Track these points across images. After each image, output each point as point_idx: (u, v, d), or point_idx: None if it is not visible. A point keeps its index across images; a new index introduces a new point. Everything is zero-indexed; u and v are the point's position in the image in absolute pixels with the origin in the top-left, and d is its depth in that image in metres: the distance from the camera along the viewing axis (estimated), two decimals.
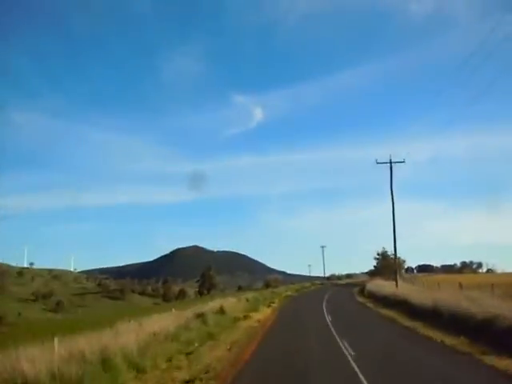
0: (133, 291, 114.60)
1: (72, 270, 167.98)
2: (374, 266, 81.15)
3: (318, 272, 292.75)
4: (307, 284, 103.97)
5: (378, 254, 76.61)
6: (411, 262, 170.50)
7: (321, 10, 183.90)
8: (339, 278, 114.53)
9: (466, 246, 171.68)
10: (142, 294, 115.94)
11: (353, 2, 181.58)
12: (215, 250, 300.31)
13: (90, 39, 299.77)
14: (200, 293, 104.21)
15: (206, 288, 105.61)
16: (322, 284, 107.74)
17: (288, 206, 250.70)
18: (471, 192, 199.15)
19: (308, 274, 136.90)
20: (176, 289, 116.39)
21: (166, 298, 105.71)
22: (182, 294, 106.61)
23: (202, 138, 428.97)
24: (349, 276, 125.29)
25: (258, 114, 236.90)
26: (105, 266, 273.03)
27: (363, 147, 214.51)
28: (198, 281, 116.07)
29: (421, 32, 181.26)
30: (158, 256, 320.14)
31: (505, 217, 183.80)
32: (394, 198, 38.27)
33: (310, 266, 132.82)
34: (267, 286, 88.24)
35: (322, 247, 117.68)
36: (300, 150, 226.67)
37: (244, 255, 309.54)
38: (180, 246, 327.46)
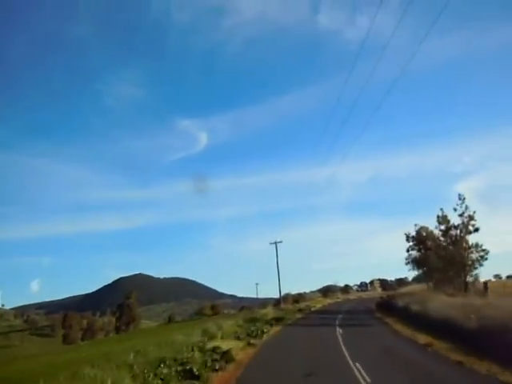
0: (63, 327, 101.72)
1: None
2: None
3: (269, 293, 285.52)
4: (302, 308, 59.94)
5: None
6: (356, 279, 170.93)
7: (262, 35, 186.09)
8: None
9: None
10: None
11: (294, 27, 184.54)
12: (161, 277, 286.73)
13: (28, 65, 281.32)
14: (117, 329, 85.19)
15: (125, 322, 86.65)
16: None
17: (236, 229, 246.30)
18: (411, 208, 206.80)
19: (259, 296, 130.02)
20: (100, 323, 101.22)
21: (66, 339, 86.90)
22: (90, 332, 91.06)
23: (147, 164, 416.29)
24: (300, 295, 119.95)
25: (204, 138, 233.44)
26: (43, 300, 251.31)
27: (307, 169, 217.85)
28: (114, 313, 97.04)
29: (358, 58, 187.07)
30: (101, 286, 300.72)
31: None
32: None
33: (257, 284, 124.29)
34: (203, 313, 77.22)
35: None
36: (247, 173, 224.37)
37: (193, 281, 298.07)
38: (123, 275, 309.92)
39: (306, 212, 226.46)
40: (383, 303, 42.56)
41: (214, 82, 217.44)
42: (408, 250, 43.00)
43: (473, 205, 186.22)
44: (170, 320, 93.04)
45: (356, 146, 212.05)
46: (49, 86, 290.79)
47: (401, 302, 32.72)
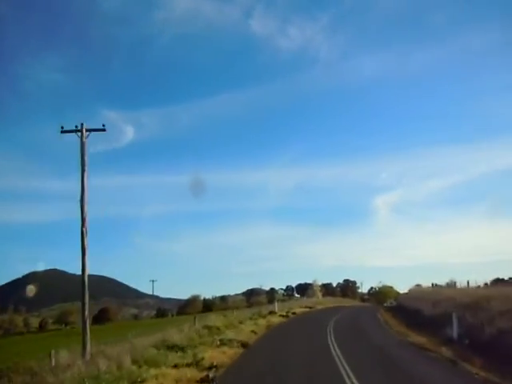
0: None
1: None
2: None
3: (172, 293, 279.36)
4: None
5: None
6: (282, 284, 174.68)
7: (195, 32, 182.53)
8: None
9: (328, 267, 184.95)
10: None
11: (227, 29, 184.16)
12: (78, 273, 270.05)
13: None
14: None
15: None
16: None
17: (162, 228, 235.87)
18: (336, 216, 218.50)
19: (184, 298, 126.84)
20: None
21: None
22: None
23: (67, 154, 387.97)
24: (223, 298, 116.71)
25: (130, 131, 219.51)
26: None
27: (226, 172, 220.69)
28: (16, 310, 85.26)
29: (288, 67, 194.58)
30: (9, 280, 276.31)
31: (366, 241, 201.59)
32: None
33: (153, 281, 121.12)
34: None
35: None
36: (176, 171, 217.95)
37: (113, 279, 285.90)
38: (35, 270, 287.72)
39: (235, 214, 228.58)
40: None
41: (142, 76, 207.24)
42: None
43: (390, 218, 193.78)
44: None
45: (285, 152, 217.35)
46: None
47: None
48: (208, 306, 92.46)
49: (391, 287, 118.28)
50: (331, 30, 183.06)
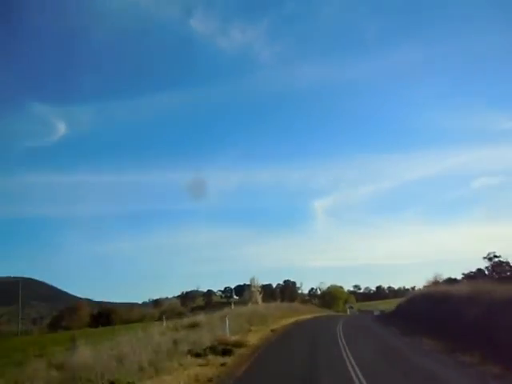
0: None
1: None
2: None
3: (134, 298, 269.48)
4: None
5: None
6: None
7: (135, 27, 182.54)
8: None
9: (268, 268, 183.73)
10: None
11: (167, 26, 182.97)
12: (1, 275, 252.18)
13: None
14: None
15: None
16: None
17: (97, 229, 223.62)
18: (276, 219, 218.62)
19: (127, 301, 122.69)
20: None
21: None
22: None
23: None
24: (157, 302, 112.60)
25: (62, 127, 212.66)
26: None
27: (169, 172, 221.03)
28: None
29: (230, 68, 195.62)
30: None
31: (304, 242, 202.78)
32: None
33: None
34: None
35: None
36: (112, 170, 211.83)
37: (41, 282, 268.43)
38: None
39: (174, 215, 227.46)
40: None
41: (76, 69, 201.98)
42: None
43: (327, 221, 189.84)
44: None
45: (226, 152, 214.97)
46: None
47: None
48: (106, 315, 72.77)
49: (341, 287, 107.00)
50: (272, 34, 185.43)
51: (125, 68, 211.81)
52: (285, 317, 42.92)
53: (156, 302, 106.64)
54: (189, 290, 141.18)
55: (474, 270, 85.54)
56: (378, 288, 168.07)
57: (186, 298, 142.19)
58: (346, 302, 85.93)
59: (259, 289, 58.55)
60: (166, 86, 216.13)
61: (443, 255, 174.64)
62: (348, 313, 74.98)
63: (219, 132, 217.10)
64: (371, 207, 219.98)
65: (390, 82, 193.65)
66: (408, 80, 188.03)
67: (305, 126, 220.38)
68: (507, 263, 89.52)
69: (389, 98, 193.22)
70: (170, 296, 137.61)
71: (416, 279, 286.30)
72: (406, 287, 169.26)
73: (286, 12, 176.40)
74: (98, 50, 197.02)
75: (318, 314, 62.49)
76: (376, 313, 64.54)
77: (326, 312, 74.97)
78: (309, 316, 53.90)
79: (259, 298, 56.42)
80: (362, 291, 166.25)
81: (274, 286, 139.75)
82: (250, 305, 46.68)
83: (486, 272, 76.99)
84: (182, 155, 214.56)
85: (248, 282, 63.89)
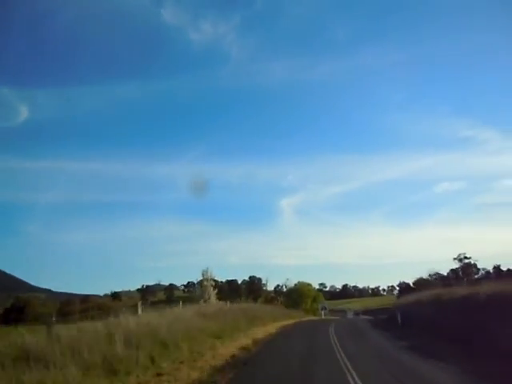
0: None
1: None
2: None
3: (96, 290, 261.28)
4: None
5: None
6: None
7: (102, 14, 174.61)
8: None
9: (234, 264, 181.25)
10: None
11: (137, 15, 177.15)
12: None
13: None
14: None
15: None
16: None
17: (59, 217, 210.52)
18: (244, 215, 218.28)
19: (89, 293, 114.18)
20: None
21: None
22: None
23: None
24: (116, 294, 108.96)
25: (25, 110, 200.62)
26: None
27: (131, 163, 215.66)
28: None
29: (199, 61, 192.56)
30: None
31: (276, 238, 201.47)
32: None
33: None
34: None
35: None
36: (74, 158, 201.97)
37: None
38: None
39: (140, 208, 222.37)
40: None
41: (41, 52, 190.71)
42: None
43: (294, 219, 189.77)
44: None
45: (194, 147, 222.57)
46: None
47: None
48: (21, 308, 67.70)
49: (309, 284, 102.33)
50: (242, 30, 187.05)
51: (91, 54, 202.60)
52: (227, 334, 20.91)
53: (115, 295, 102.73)
54: (150, 283, 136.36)
55: (444, 271, 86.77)
56: (344, 287, 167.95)
57: (147, 291, 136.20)
58: (314, 300, 79.51)
59: (213, 283, 47.03)
60: (132, 75, 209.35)
61: (409, 256, 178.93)
62: (322, 316, 61.54)
63: (186, 126, 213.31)
64: (338, 207, 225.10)
65: (360, 83, 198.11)
66: (376, 82, 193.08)
67: (274, 124, 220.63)
68: (475, 265, 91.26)
69: (365, 99, 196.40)
70: (132, 289, 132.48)
71: (381, 279, 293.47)
72: (371, 287, 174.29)
73: (258, 9, 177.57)
74: (64, 35, 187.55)
75: (285, 322, 39.54)
76: (349, 314, 59.87)
77: (294, 315, 54.47)
78: (271, 329, 29.45)
79: (213, 294, 45.01)
80: (327, 289, 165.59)
81: (240, 282, 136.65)
82: (201, 302, 36.29)
83: (460, 273, 77.87)
84: (144, 146, 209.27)
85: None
